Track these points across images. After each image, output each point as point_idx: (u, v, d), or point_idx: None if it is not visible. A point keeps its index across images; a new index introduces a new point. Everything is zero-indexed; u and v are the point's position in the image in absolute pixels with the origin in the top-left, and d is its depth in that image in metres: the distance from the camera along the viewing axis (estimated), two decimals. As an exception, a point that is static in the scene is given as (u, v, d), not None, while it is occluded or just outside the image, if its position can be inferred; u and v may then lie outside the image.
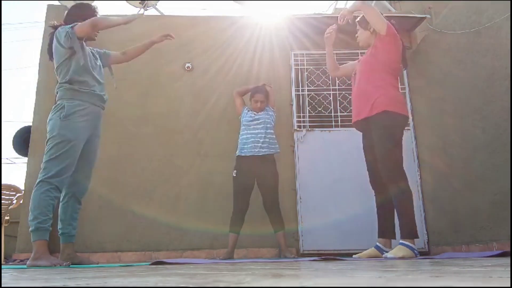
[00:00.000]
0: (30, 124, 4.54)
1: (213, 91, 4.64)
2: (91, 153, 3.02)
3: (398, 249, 2.79)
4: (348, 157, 4.44)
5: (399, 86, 3.27)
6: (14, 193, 4.35)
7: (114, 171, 4.36)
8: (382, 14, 3.18)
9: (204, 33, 4.84)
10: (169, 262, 2.60)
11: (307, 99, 4.72)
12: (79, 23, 2.85)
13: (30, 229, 2.63)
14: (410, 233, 2.84)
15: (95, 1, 5.61)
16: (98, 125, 3.05)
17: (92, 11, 3.08)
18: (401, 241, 2.86)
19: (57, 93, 2.91)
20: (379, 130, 3.02)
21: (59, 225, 2.91)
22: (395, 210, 3.04)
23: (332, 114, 4.64)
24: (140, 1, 5.61)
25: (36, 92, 4.54)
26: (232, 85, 4.58)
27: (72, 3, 5.26)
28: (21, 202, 4.35)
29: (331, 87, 4.75)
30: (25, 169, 4.32)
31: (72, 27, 2.84)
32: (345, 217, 4.22)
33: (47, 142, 2.82)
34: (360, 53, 4.84)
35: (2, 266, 2.79)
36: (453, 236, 3.80)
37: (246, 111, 3.99)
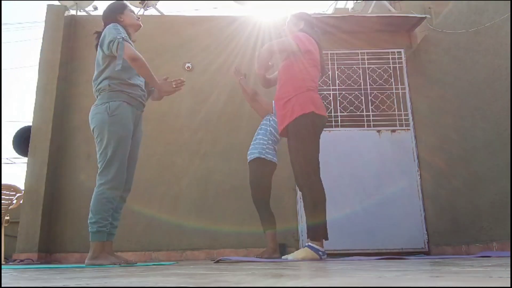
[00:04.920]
0: (31, 124, 4.54)
1: (213, 90, 4.65)
2: (135, 149, 2.92)
3: (300, 251, 2.73)
4: (347, 157, 4.45)
5: (316, 85, 3.02)
6: (14, 193, 4.34)
7: (114, 171, 4.35)
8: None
9: (203, 32, 4.84)
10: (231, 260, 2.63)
11: (307, 99, 4.71)
12: (128, 45, 2.71)
13: (90, 230, 2.62)
14: (315, 235, 2.73)
15: (95, 0, 5.61)
16: (140, 117, 2.94)
17: (120, 9, 2.91)
18: (307, 243, 2.76)
19: (98, 89, 2.78)
20: (289, 136, 2.95)
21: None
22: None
23: (332, 114, 4.64)
24: (140, 1, 5.62)
25: (36, 91, 4.54)
26: (231, 85, 4.58)
27: (72, 3, 5.27)
28: (21, 202, 4.35)
29: (331, 87, 4.75)
30: (25, 169, 4.33)
31: (123, 39, 2.70)
32: (344, 217, 4.22)
33: (97, 141, 2.71)
34: (360, 52, 4.85)
35: (2, 266, 2.78)
36: (453, 236, 3.79)
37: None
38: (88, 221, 2.63)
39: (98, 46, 2.82)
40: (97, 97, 2.79)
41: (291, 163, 2.92)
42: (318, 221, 2.75)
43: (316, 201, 2.78)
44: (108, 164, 2.65)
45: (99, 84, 2.77)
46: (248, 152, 3.69)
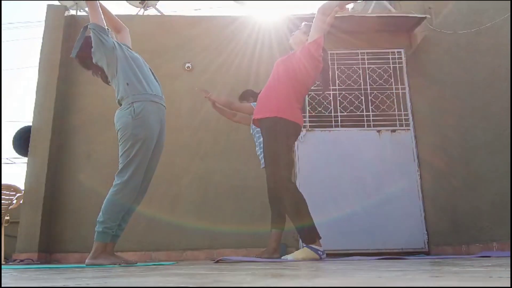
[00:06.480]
0: (31, 124, 4.54)
1: (213, 90, 4.63)
2: (159, 150, 2.91)
3: (300, 252, 2.71)
4: (348, 157, 4.45)
5: (300, 105, 2.98)
6: (14, 193, 4.34)
7: (114, 171, 4.35)
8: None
9: (203, 32, 4.84)
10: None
11: (307, 99, 4.71)
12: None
13: (96, 228, 2.60)
14: (310, 238, 2.69)
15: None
16: (164, 120, 2.92)
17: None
18: (304, 245, 2.73)
19: (121, 95, 2.75)
20: (264, 134, 2.92)
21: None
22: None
23: (332, 114, 4.64)
24: (140, 1, 5.62)
25: (36, 91, 4.53)
26: (231, 84, 4.57)
27: (72, 3, 5.27)
28: (21, 202, 4.34)
29: (331, 87, 4.74)
30: (25, 169, 4.32)
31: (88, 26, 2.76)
32: (345, 217, 4.23)
33: (120, 142, 2.71)
34: (360, 52, 4.85)
35: (2, 266, 2.78)
36: (453, 236, 3.79)
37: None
38: (97, 220, 2.62)
39: (95, 58, 2.78)
40: (120, 103, 2.76)
41: (266, 166, 2.85)
42: (307, 224, 2.72)
43: (299, 204, 2.74)
44: (126, 165, 2.65)
45: (118, 91, 2.74)
46: (260, 157, 3.65)
